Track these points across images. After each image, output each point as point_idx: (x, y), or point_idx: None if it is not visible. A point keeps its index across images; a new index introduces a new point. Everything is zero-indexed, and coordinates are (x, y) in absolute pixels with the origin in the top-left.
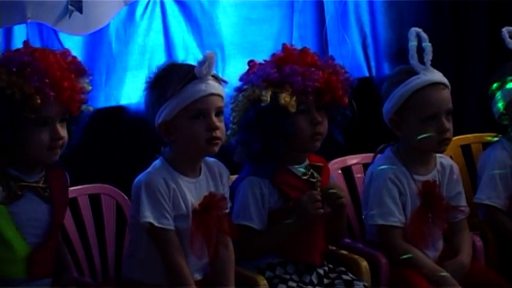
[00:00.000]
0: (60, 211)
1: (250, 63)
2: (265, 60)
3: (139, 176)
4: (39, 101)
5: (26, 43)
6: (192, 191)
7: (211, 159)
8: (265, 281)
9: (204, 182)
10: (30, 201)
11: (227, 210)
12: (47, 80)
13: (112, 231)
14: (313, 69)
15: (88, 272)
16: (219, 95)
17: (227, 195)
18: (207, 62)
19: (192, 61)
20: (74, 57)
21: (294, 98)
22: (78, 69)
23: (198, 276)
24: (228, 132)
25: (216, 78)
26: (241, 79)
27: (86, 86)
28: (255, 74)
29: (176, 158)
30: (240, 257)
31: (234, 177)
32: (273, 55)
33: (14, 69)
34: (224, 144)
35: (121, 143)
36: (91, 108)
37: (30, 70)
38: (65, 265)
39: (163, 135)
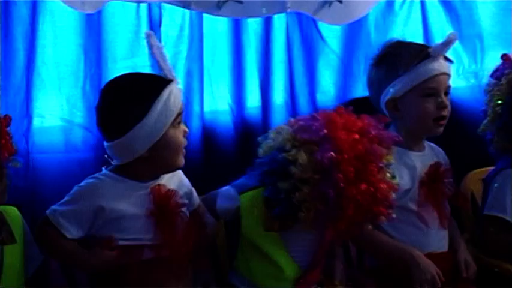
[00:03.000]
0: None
1: (504, 57)
2: None
3: None
4: None
5: None
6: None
7: (432, 144)
8: None
9: (430, 154)
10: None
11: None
12: None
13: None
14: None
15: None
16: (448, 74)
17: None
18: (451, 43)
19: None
20: None
21: None
22: None
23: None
24: (486, 120)
25: (444, 57)
26: (495, 72)
27: None
28: None
29: (401, 135)
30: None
31: None
32: None
33: None
34: None
35: None
36: None
37: None
38: (333, 253)
39: (389, 111)
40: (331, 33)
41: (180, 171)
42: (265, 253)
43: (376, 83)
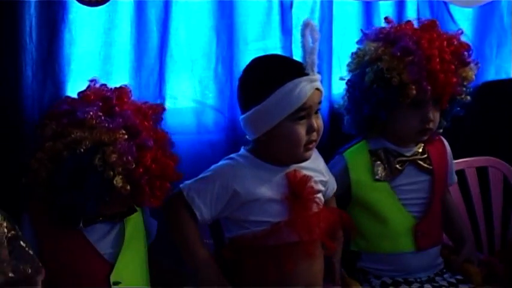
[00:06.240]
0: (440, 182)
1: None
2: None
3: None
4: (414, 92)
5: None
6: None
7: None
8: None
9: None
10: (410, 174)
11: None
12: (424, 73)
13: (499, 203)
14: None
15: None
16: None
17: None
18: None
19: None
20: (461, 44)
21: None
22: (460, 59)
23: None
24: None
25: None
26: None
27: (468, 76)
28: None
29: None
30: None
31: None
32: None
33: (398, 54)
34: None
35: (510, 116)
36: (468, 98)
37: (412, 59)
38: (463, 237)
39: None
40: (462, 16)
41: (320, 158)
42: (376, 211)
43: None
